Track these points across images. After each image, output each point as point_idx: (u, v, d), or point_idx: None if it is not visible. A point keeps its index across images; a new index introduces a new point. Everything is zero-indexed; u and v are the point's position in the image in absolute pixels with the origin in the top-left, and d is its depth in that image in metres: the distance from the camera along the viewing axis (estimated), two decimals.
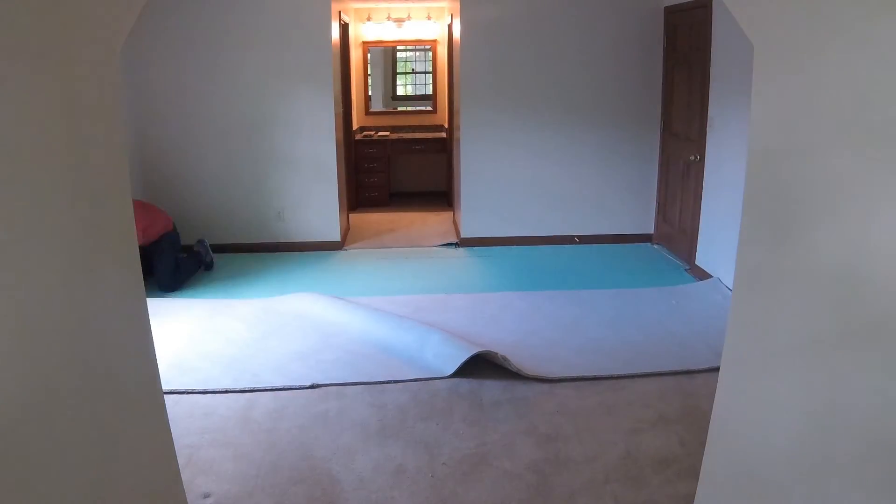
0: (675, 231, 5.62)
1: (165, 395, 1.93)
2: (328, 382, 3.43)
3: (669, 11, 5.49)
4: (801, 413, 1.51)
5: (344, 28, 6.52)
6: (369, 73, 7.89)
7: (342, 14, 6.20)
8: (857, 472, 1.33)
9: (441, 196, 7.93)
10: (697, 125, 5.07)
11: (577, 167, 5.88)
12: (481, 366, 3.58)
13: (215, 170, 5.75)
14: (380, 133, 7.69)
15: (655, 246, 5.96)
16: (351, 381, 3.45)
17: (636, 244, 6.02)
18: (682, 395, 3.28)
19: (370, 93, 7.96)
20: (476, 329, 4.10)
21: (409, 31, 7.60)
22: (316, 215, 5.88)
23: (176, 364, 3.62)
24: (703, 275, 5.00)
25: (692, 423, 2.99)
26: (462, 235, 6.04)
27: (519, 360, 3.58)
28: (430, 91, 8.05)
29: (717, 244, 4.83)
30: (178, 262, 5.00)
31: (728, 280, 4.57)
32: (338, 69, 5.88)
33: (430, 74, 7.96)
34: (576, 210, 5.97)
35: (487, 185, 5.89)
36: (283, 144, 5.73)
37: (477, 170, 5.87)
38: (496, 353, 3.50)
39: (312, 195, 5.83)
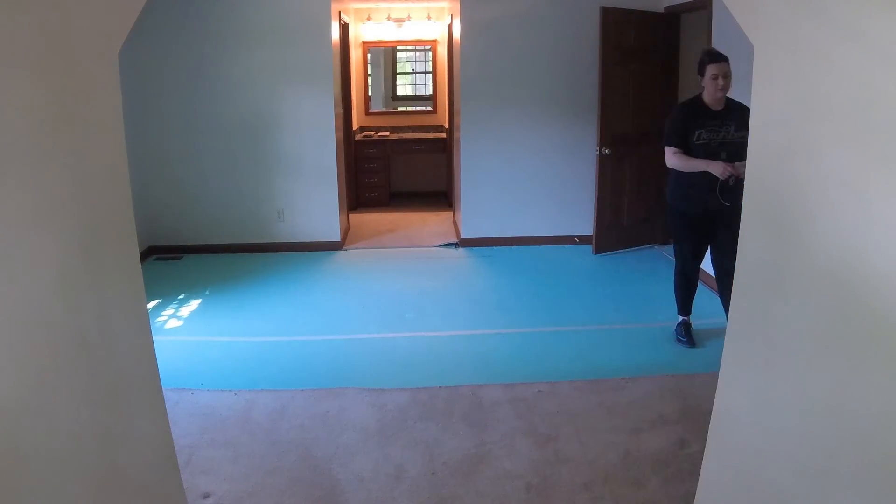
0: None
1: (165, 395, 1.93)
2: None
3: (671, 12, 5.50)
4: (801, 413, 1.51)
5: (344, 28, 6.52)
6: (369, 73, 7.88)
7: (342, 14, 6.20)
8: (857, 472, 1.33)
9: (441, 196, 7.93)
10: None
11: (577, 167, 5.87)
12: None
13: (215, 170, 5.75)
14: (380, 133, 7.68)
15: (655, 246, 5.96)
16: None
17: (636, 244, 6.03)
18: (682, 395, 3.28)
19: (370, 93, 7.96)
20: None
21: (409, 32, 7.60)
22: (316, 215, 5.88)
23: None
24: (702, 275, 4.98)
25: (692, 423, 2.99)
26: (462, 235, 6.04)
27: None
28: (430, 91, 8.05)
29: None
30: None
31: None
32: (338, 69, 5.88)
33: (430, 74, 7.96)
34: (576, 210, 5.96)
35: (487, 185, 5.89)
36: (283, 144, 5.73)
37: (477, 170, 5.86)
38: None
39: (312, 195, 5.83)
